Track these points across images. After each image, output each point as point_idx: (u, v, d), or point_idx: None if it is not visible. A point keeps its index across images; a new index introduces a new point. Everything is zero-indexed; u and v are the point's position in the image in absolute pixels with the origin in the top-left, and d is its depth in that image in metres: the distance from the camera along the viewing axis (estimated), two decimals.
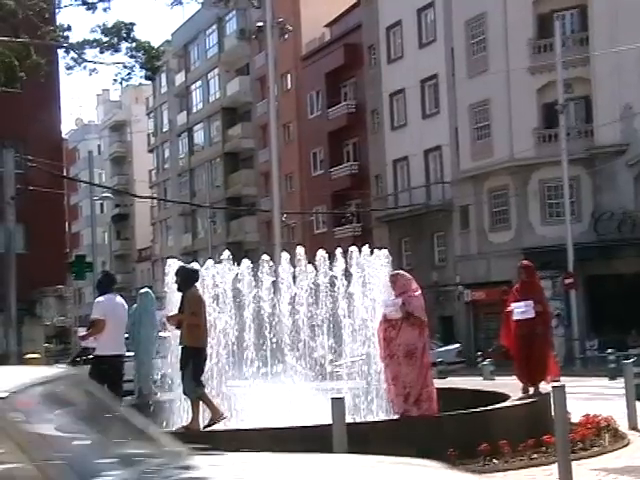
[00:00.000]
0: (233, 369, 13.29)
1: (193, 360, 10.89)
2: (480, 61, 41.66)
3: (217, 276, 13.45)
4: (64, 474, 3.91)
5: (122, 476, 4.15)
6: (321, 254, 13.73)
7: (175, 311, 11.50)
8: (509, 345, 13.22)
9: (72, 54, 30.28)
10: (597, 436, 11.73)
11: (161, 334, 14.84)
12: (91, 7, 29.57)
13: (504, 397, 12.27)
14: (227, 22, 70.04)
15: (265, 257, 13.92)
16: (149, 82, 54.72)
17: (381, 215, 49.19)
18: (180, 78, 79.15)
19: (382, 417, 11.98)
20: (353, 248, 13.91)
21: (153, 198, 76.32)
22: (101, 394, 5.19)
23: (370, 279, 13.48)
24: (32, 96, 35.79)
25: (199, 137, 77.17)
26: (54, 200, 37.67)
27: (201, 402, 10.96)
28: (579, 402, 14.62)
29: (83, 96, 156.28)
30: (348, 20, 55.77)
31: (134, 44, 29.63)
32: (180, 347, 11.17)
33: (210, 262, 13.86)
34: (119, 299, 12.41)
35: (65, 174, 53.64)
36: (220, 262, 13.73)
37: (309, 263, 13.78)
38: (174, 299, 12.01)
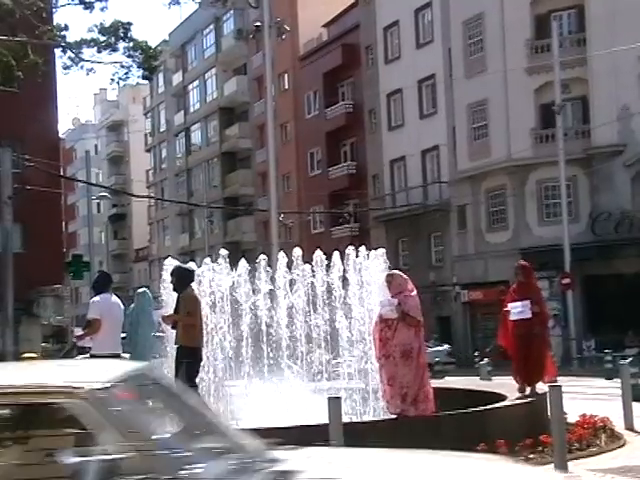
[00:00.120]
0: (230, 370, 13.29)
1: (188, 360, 10.88)
2: (477, 61, 41.67)
3: (213, 283, 13.44)
4: (162, 463, 4.01)
5: (214, 467, 4.23)
6: (319, 254, 13.73)
7: (170, 311, 11.50)
8: (506, 345, 13.22)
9: (69, 53, 30.23)
10: (594, 436, 11.74)
11: (158, 334, 14.83)
12: (88, 6, 29.50)
13: (501, 397, 12.27)
14: (224, 22, 70.00)
15: (262, 257, 13.91)
16: (146, 82, 54.69)
17: (378, 215, 49.19)
18: (177, 78, 79.12)
19: (380, 417, 11.98)
20: (350, 248, 13.91)
21: (150, 198, 76.25)
22: (177, 389, 5.27)
23: (368, 279, 13.49)
24: (29, 95, 35.73)
25: (196, 137, 77.15)
26: (51, 200, 37.64)
27: None
28: (576, 402, 14.61)
29: (80, 96, 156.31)
30: (346, 20, 55.76)
31: (131, 44, 29.58)
32: (175, 347, 11.16)
33: (207, 260, 13.86)
34: (115, 299, 12.40)
35: (62, 174, 53.61)
36: (217, 262, 13.73)
37: (307, 263, 13.78)
38: (170, 299, 12.01)
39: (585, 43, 38.47)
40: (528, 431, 10.94)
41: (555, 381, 12.27)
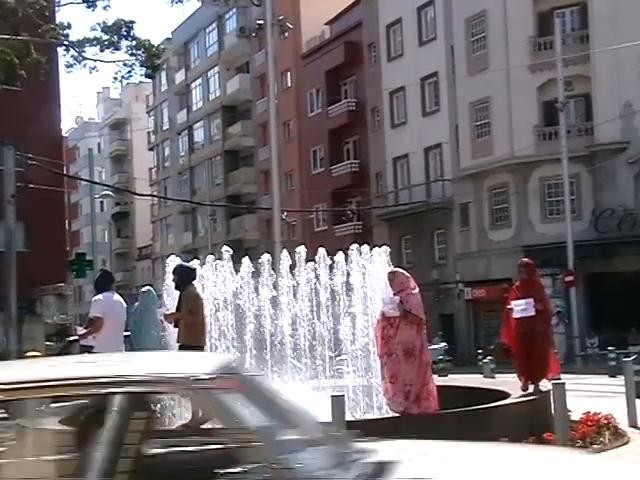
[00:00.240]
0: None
1: None
2: (480, 59, 41.64)
3: (215, 289, 13.45)
4: (268, 452, 4.05)
5: (316, 458, 4.26)
6: (321, 252, 13.73)
7: (173, 309, 11.50)
8: (510, 343, 13.21)
9: (72, 52, 30.30)
10: (597, 434, 11.72)
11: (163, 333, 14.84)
12: (91, 5, 29.58)
13: (505, 395, 12.26)
14: (227, 20, 70.02)
15: (266, 257, 13.91)
16: (149, 80, 54.74)
17: (381, 213, 49.18)
18: (180, 76, 79.13)
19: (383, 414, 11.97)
20: (354, 246, 13.90)
21: (153, 196, 76.10)
22: (265, 382, 5.34)
23: (371, 277, 13.48)
24: (32, 94, 35.74)
25: (199, 135, 77.18)
26: (54, 198, 37.63)
27: None
28: (579, 400, 14.59)
29: (83, 94, 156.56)
30: (348, 18, 55.75)
31: (134, 42, 29.62)
32: (178, 345, 11.16)
33: (210, 258, 13.86)
34: (117, 297, 12.41)
35: (65, 172, 53.61)
36: (220, 259, 13.73)
37: (310, 261, 13.77)
38: (172, 297, 12.01)
39: (588, 40, 38.41)
40: (531, 429, 10.92)
41: (558, 379, 12.26)
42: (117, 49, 29.61)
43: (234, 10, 66.19)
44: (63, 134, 55.66)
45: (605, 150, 37.67)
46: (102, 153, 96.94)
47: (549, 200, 39.27)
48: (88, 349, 12.54)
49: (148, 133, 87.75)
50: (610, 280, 36.82)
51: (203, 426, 4.18)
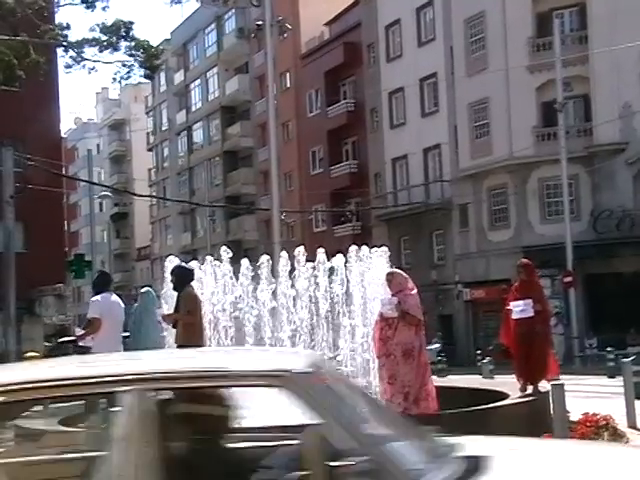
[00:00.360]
0: None
1: None
2: (479, 60, 41.64)
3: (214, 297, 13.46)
4: (368, 446, 4.01)
5: (412, 452, 4.24)
6: (321, 253, 13.71)
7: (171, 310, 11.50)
8: (508, 344, 13.18)
9: (71, 53, 30.35)
10: (596, 435, 11.70)
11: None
12: (90, 6, 29.61)
13: (503, 396, 12.24)
14: (226, 21, 70.02)
15: (265, 257, 13.90)
16: (148, 81, 54.80)
17: (380, 214, 49.18)
18: (179, 77, 79.12)
19: None
20: (353, 247, 13.90)
21: (152, 197, 76.15)
22: (346, 378, 5.33)
23: (370, 277, 13.48)
24: (31, 95, 35.74)
25: (198, 136, 77.17)
26: (53, 199, 37.65)
27: None
28: (578, 400, 14.57)
29: (82, 95, 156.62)
30: (347, 19, 55.76)
31: (133, 43, 29.66)
32: (176, 346, 11.15)
33: (209, 258, 13.86)
34: (115, 298, 12.39)
35: (64, 173, 53.57)
36: (219, 260, 13.74)
37: (309, 262, 13.76)
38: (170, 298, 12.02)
39: (587, 41, 38.42)
40: (530, 429, 10.86)
41: (557, 379, 12.25)
42: (116, 50, 29.66)
43: (233, 11, 66.20)
44: (62, 135, 55.68)
45: (604, 151, 37.68)
46: (101, 154, 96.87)
47: (548, 201, 39.29)
48: (85, 350, 12.53)
49: (147, 134, 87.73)
50: (609, 281, 36.84)
51: (297, 422, 4.20)
